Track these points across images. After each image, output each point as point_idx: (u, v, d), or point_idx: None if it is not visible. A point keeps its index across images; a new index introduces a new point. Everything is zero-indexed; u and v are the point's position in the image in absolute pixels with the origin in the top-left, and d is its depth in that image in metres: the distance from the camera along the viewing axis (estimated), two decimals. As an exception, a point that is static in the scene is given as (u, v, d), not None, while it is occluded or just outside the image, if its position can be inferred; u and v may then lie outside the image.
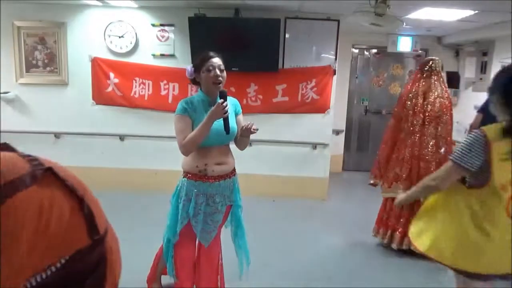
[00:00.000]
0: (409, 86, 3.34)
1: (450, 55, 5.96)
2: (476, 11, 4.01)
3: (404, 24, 3.66)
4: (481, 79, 5.32)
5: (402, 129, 3.28)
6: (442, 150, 3.16)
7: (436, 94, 3.17)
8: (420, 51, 6.10)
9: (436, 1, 3.74)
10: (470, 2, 3.74)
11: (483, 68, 5.27)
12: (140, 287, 2.64)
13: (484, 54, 5.26)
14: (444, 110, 3.17)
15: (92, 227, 1.13)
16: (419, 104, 3.18)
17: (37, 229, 0.92)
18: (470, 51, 5.48)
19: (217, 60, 2.12)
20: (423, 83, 3.21)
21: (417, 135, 3.19)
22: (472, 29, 4.93)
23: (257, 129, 2.08)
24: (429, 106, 3.16)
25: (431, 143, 3.16)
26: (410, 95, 3.24)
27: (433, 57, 3.30)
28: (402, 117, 3.27)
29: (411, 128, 3.21)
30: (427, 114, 3.16)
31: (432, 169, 3.07)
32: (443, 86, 3.23)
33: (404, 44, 5.80)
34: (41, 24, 4.66)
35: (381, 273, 3.10)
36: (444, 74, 3.34)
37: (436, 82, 3.20)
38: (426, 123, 3.17)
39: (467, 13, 4.11)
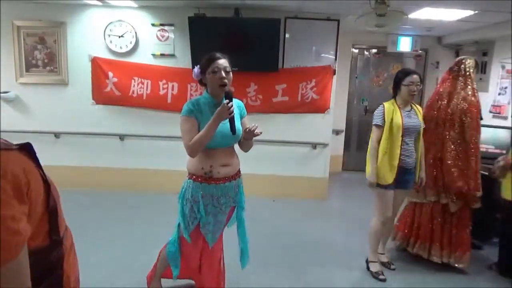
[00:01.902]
0: (438, 87, 3.22)
1: (450, 55, 5.95)
2: (476, 11, 4.01)
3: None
4: (481, 79, 5.31)
5: (429, 132, 3.15)
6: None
7: (460, 96, 3.01)
8: (420, 51, 6.11)
9: (436, 1, 3.74)
10: (470, 2, 3.74)
11: (483, 68, 5.26)
12: (140, 287, 2.64)
13: (484, 54, 5.25)
14: (468, 113, 2.98)
15: (54, 225, 1.05)
16: (443, 106, 3.07)
17: (20, 187, 0.91)
18: (470, 51, 5.47)
19: (223, 62, 2.10)
20: (449, 84, 3.09)
21: (440, 138, 3.08)
22: (472, 29, 4.93)
23: (260, 132, 2.08)
24: (450, 108, 3.03)
25: (452, 146, 3.03)
26: (437, 96, 3.13)
27: (465, 57, 3.11)
28: (429, 119, 3.14)
29: (436, 131, 3.11)
30: (449, 117, 3.03)
31: (455, 174, 3.00)
32: (470, 88, 3.01)
33: (404, 44, 5.80)
34: (41, 23, 4.66)
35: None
36: (474, 75, 3.08)
37: (462, 84, 3.03)
38: (448, 126, 3.04)
39: (467, 13, 4.11)
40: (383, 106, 2.95)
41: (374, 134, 2.95)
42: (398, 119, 2.88)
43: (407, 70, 2.98)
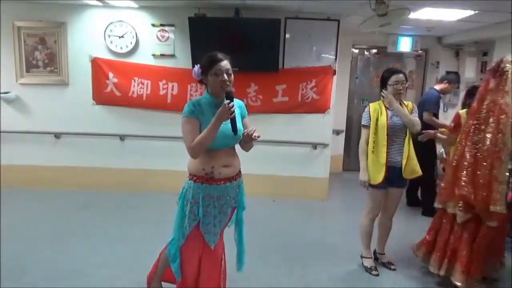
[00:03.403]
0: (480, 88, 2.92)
1: (450, 55, 5.95)
2: (476, 11, 4.01)
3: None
4: (481, 79, 5.30)
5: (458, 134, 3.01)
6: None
7: (490, 98, 2.68)
8: (420, 51, 6.10)
9: (436, 1, 3.74)
10: (470, 2, 3.74)
11: (483, 68, 5.26)
12: (139, 287, 2.64)
13: (485, 54, 5.25)
14: (492, 115, 2.64)
15: None
16: (473, 109, 2.78)
17: None
18: (470, 51, 5.47)
19: (225, 64, 2.08)
20: (485, 85, 2.77)
21: (463, 141, 2.80)
22: (472, 29, 4.92)
23: (258, 136, 2.07)
24: (479, 111, 2.69)
25: (471, 151, 2.70)
26: (475, 99, 2.83)
27: (504, 57, 2.70)
28: (464, 123, 2.96)
29: (460, 133, 2.94)
30: (475, 120, 2.73)
31: (462, 179, 2.68)
32: (501, 91, 2.64)
33: (404, 44, 5.79)
34: (41, 24, 4.67)
35: (382, 274, 3.11)
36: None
37: (495, 85, 2.68)
38: (472, 129, 2.73)
39: (467, 13, 4.11)
40: (369, 106, 3.04)
41: (362, 134, 3.04)
42: (383, 119, 2.94)
43: (391, 70, 3.05)
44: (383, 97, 3.03)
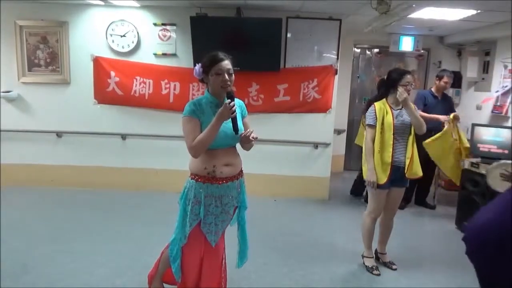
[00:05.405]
0: None
1: (452, 54, 5.94)
2: (479, 11, 4.00)
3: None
4: (483, 79, 5.30)
5: None
6: None
7: None
8: (422, 51, 6.09)
9: (438, 1, 3.73)
10: (472, 2, 3.72)
11: (485, 68, 5.25)
12: (140, 286, 2.65)
13: (487, 53, 5.24)
14: None
15: None
16: None
17: None
18: (472, 50, 5.46)
19: (226, 64, 2.08)
20: None
21: None
22: (474, 28, 4.91)
23: (256, 138, 2.07)
24: None
25: None
26: None
27: None
28: None
29: None
30: None
31: None
32: None
33: (406, 44, 5.77)
34: (43, 23, 4.67)
35: (383, 273, 3.10)
36: None
37: None
38: None
39: (469, 12, 4.09)
40: (374, 106, 3.00)
41: (368, 134, 3.00)
42: (389, 118, 2.93)
43: (400, 71, 3.02)
44: (384, 96, 3.03)
